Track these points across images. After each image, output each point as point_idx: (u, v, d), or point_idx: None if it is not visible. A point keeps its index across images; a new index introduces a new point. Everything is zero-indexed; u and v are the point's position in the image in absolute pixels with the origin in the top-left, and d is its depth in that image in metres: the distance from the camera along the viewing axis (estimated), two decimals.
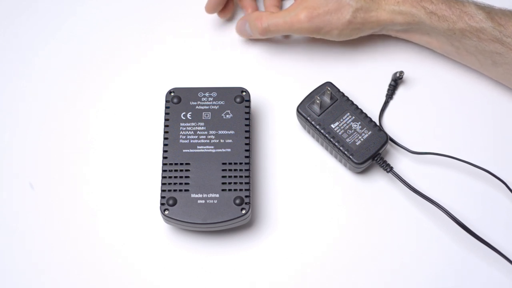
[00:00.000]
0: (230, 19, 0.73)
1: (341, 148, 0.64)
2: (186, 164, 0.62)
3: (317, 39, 0.69)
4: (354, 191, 0.65)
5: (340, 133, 0.65)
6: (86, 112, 0.70)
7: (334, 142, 0.64)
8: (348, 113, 0.65)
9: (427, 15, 0.65)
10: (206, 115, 0.65)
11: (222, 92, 0.66)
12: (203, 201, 0.61)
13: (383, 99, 0.69)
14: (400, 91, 0.70)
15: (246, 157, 0.63)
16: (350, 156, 0.64)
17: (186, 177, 0.62)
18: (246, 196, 0.61)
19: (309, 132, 0.67)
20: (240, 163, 0.62)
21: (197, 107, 0.65)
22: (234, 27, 0.72)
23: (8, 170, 0.67)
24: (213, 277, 0.62)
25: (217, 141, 0.63)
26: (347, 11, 0.65)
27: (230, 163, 0.62)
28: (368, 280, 0.62)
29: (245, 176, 0.62)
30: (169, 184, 0.61)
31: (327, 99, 0.66)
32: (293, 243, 0.64)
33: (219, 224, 0.61)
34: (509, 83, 0.67)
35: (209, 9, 0.70)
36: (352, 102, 0.66)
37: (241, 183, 0.62)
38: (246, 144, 0.63)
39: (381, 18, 0.66)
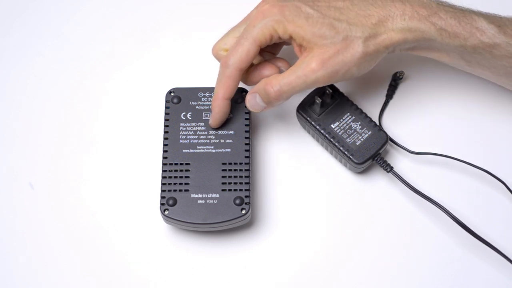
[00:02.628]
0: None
1: (341, 148, 0.64)
2: (186, 164, 0.62)
3: None
4: (354, 191, 0.65)
5: (340, 133, 0.65)
6: (86, 112, 0.70)
7: (334, 142, 0.64)
8: (348, 113, 0.66)
9: (438, 31, 0.61)
10: (206, 115, 0.65)
11: None
12: (203, 201, 0.61)
13: (383, 99, 0.69)
14: (400, 91, 0.70)
15: (246, 157, 0.63)
16: (350, 156, 0.64)
17: (186, 177, 0.62)
18: (246, 196, 0.61)
19: (309, 132, 0.67)
20: (240, 163, 0.62)
21: (197, 107, 0.65)
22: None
23: (8, 170, 0.67)
24: (213, 277, 0.62)
25: (217, 141, 0.63)
26: (358, 44, 0.60)
27: (230, 163, 0.62)
28: (368, 280, 0.62)
29: (245, 176, 0.62)
30: (169, 184, 0.61)
31: (327, 99, 0.66)
32: (293, 243, 0.64)
33: (219, 224, 0.61)
34: None
35: (216, 124, 0.64)
36: (352, 102, 0.66)
37: (241, 183, 0.62)
38: (246, 144, 0.63)
39: (393, 39, 0.61)
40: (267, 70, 0.64)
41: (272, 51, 0.67)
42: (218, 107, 0.63)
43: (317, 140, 0.67)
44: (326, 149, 0.67)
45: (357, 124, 0.65)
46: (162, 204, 0.61)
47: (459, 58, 0.63)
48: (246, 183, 0.62)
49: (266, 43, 0.61)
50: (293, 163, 0.67)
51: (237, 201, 0.61)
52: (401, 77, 0.69)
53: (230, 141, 0.64)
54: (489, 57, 0.62)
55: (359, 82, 0.70)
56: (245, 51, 0.61)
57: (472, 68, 0.64)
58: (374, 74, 0.70)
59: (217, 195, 0.61)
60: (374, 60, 0.62)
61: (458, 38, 0.61)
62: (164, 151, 0.63)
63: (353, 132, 0.65)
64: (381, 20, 0.61)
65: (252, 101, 0.63)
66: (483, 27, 0.61)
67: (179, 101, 0.65)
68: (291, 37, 0.61)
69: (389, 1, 0.62)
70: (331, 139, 0.64)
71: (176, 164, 0.62)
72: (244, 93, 0.66)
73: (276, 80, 0.61)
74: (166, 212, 0.60)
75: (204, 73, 0.71)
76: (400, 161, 0.66)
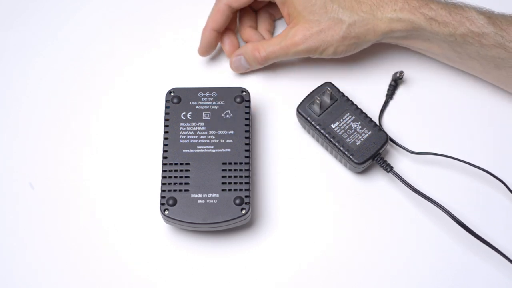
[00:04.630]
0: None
1: (341, 148, 0.64)
2: (186, 164, 0.62)
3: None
4: (354, 191, 0.65)
5: (340, 133, 0.65)
6: (86, 112, 0.70)
7: (334, 142, 0.64)
8: (348, 113, 0.66)
9: (427, 21, 0.63)
10: (206, 115, 0.65)
11: (222, 92, 0.66)
12: (203, 201, 0.61)
13: (383, 99, 0.69)
14: (400, 91, 0.70)
15: (246, 157, 0.63)
16: (350, 156, 0.64)
17: (186, 177, 0.62)
18: (246, 196, 0.61)
19: (309, 132, 0.67)
20: (240, 163, 0.62)
21: (197, 107, 0.65)
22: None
23: (8, 170, 0.67)
24: (213, 277, 0.62)
25: (217, 141, 0.63)
26: (340, 27, 0.64)
27: (230, 163, 0.62)
28: (368, 280, 0.62)
29: (245, 176, 0.62)
30: (169, 184, 0.61)
31: (327, 99, 0.66)
32: (293, 243, 0.64)
33: (219, 224, 0.61)
34: (510, 87, 0.67)
35: (202, 52, 0.70)
36: (352, 102, 0.66)
37: (241, 183, 0.62)
38: (246, 144, 0.63)
39: (378, 28, 0.64)
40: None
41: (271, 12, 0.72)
42: (204, 36, 0.69)
43: (317, 140, 0.67)
44: (326, 149, 0.67)
45: (357, 124, 0.65)
46: (162, 204, 0.61)
47: (449, 49, 0.65)
48: (246, 183, 0.62)
49: None
50: (293, 163, 0.67)
51: (237, 201, 0.61)
52: (401, 77, 0.69)
53: (230, 141, 0.63)
54: (478, 47, 0.63)
55: (359, 82, 0.70)
56: None
57: (462, 61, 0.66)
58: (374, 74, 0.70)
59: (217, 195, 0.61)
60: (354, 47, 0.66)
61: (448, 27, 0.63)
62: (164, 151, 0.63)
63: (353, 132, 0.65)
64: (372, 8, 0.64)
65: (237, 63, 0.69)
66: (473, 17, 0.63)
67: (179, 101, 0.65)
68: (284, 3, 0.66)
69: None
70: (331, 139, 0.64)
71: (176, 164, 0.62)
72: (244, 93, 0.66)
73: (262, 47, 0.67)
74: (166, 212, 0.60)
75: (204, 73, 0.71)
76: (400, 161, 0.66)
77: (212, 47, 0.69)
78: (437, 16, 0.63)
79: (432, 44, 0.65)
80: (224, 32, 0.70)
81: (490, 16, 0.63)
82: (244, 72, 0.70)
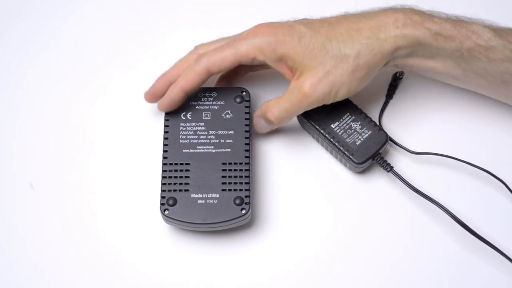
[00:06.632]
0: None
1: (341, 148, 0.64)
2: (186, 164, 0.62)
3: None
4: (354, 191, 0.65)
5: (340, 133, 0.65)
6: (87, 112, 0.70)
7: (334, 142, 0.64)
8: (348, 113, 0.66)
9: (433, 36, 0.60)
10: (206, 115, 0.65)
11: (222, 92, 0.66)
12: (203, 201, 0.61)
13: (383, 99, 0.69)
14: (400, 91, 0.70)
15: (246, 157, 0.63)
16: (350, 156, 0.64)
17: (186, 177, 0.62)
18: (246, 196, 0.61)
19: (309, 132, 0.67)
20: (240, 163, 0.62)
21: (197, 107, 0.65)
22: (231, 28, 0.72)
23: (8, 170, 0.67)
24: (213, 277, 0.62)
25: (217, 141, 0.63)
26: (347, 62, 0.60)
27: (230, 163, 0.62)
28: (369, 280, 0.62)
29: (245, 176, 0.62)
30: (169, 184, 0.61)
31: None
32: (293, 243, 0.64)
33: (219, 224, 0.61)
34: None
35: (163, 107, 0.64)
36: (352, 102, 0.66)
37: (241, 183, 0.62)
38: (246, 144, 0.63)
39: (384, 49, 0.60)
40: None
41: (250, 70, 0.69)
42: (172, 94, 0.63)
43: (317, 140, 0.67)
44: (326, 149, 0.67)
45: (357, 124, 0.65)
46: (162, 204, 0.61)
47: (454, 66, 0.62)
48: (246, 183, 0.62)
49: (246, 61, 0.62)
50: (293, 163, 0.67)
51: (237, 201, 0.61)
52: (401, 77, 0.69)
53: (230, 141, 0.64)
54: (485, 62, 0.61)
55: None
56: (222, 58, 0.62)
57: (467, 79, 0.63)
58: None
59: (217, 195, 0.61)
60: (365, 76, 0.61)
61: (454, 41, 0.60)
62: (164, 151, 0.63)
63: (353, 132, 0.65)
64: (373, 31, 0.61)
65: (258, 124, 0.65)
66: (479, 30, 0.60)
67: None
68: (280, 59, 0.61)
69: (381, 11, 0.62)
70: (331, 139, 0.64)
71: (176, 164, 0.62)
72: (244, 93, 0.66)
73: (274, 108, 0.62)
74: (166, 212, 0.60)
75: None
76: (400, 161, 0.66)
77: (175, 106, 0.64)
78: (442, 30, 0.60)
79: (436, 62, 0.62)
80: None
81: (496, 30, 0.61)
82: (270, 131, 0.66)
